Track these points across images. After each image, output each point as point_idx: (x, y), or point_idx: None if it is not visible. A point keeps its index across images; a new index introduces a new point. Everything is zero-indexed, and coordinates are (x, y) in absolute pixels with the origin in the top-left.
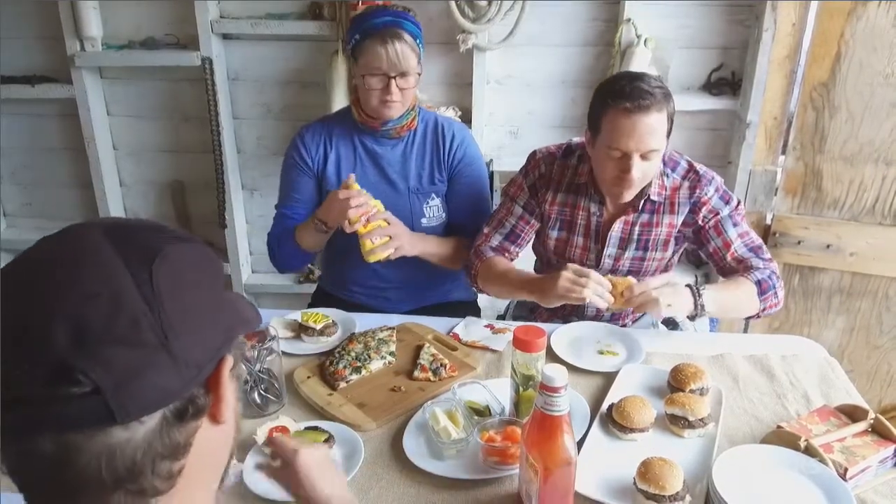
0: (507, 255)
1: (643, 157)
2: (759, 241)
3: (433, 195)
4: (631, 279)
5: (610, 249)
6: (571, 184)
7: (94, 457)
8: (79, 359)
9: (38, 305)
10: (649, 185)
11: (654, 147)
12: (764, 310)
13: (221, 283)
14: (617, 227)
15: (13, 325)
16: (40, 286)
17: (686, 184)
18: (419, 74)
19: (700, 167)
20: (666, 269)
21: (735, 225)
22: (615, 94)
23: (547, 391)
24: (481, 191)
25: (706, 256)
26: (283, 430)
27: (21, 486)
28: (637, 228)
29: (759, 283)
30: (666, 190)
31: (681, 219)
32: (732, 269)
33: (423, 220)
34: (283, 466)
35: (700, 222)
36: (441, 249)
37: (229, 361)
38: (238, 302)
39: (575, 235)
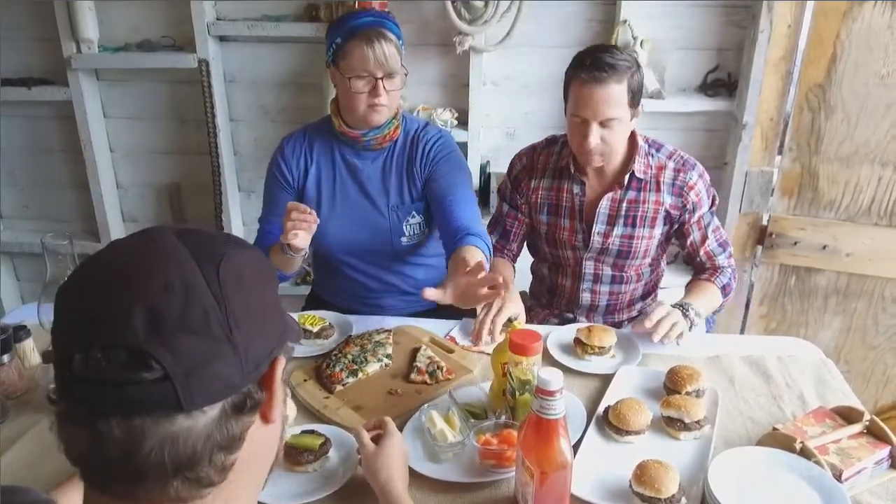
0: (505, 251)
1: (602, 124)
2: (726, 235)
3: (414, 213)
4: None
5: (598, 227)
6: (555, 168)
7: (158, 442)
8: (153, 345)
9: (119, 293)
10: (632, 161)
11: (610, 115)
12: (721, 306)
13: (276, 288)
14: (605, 205)
15: (95, 308)
16: (122, 276)
17: (671, 164)
18: (406, 74)
19: (683, 153)
20: (654, 272)
21: (711, 221)
22: (577, 65)
23: (543, 395)
24: (464, 180)
25: (681, 245)
26: None
27: (84, 471)
28: (624, 205)
29: (723, 287)
30: (651, 169)
31: (667, 198)
32: (701, 262)
33: (403, 239)
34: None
35: (688, 207)
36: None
37: (282, 362)
38: (286, 312)
39: (562, 218)
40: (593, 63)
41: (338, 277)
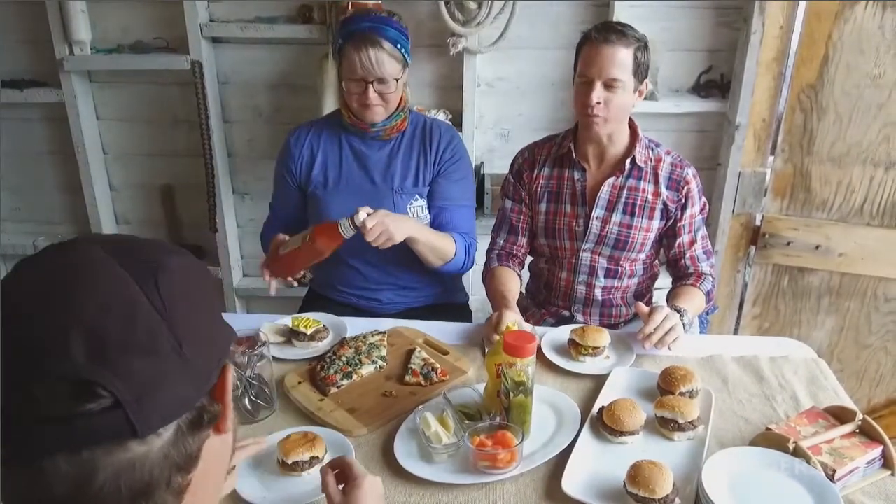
0: (515, 248)
1: (606, 85)
2: (710, 245)
3: (417, 196)
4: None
5: (598, 211)
6: (556, 157)
7: (112, 473)
8: (98, 373)
9: (52, 320)
10: (634, 146)
11: (615, 76)
12: (703, 313)
13: (215, 293)
14: (605, 190)
15: (26, 339)
16: (51, 300)
17: (668, 159)
18: (397, 80)
19: (677, 153)
20: (648, 272)
21: (701, 227)
22: (588, 31)
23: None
24: (466, 190)
25: (667, 247)
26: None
27: None
28: (625, 192)
29: (707, 293)
30: (651, 160)
31: (665, 191)
32: (685, 266)
33: None
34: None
35: (683, 202)
36: (431, 236)
37: (231, 370)
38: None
39: (562, 204)
40: (605, 27)
41: (338, 267)
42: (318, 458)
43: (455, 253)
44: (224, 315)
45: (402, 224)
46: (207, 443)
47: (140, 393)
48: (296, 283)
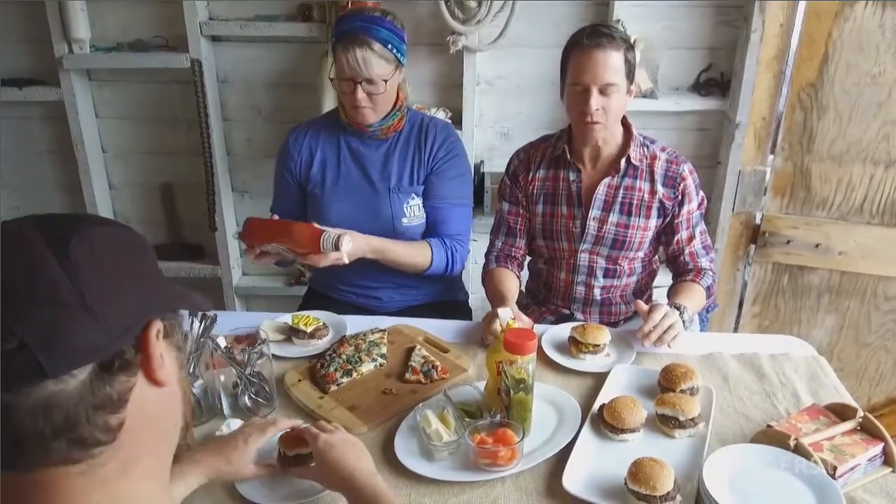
0: (514, 250)
1: (602, 91)
2: (709, 240)
3: (413, 195)
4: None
5: (594, 212)
6: (551, 158)
7: (30, 410)
8: (6, 318)
9: None
10: (628, 146)
11: (610, 80)
12: (704, 309)
13: (148, 264)
14: (601, 190)
15: None
16: None
17: (664, 156)
18: (386, 81)
19: (673, 149)
20: (646, 270)
21: (699, 222)
22: (576, 37)
23: None
24: (462, 188)
25: (666, 244)
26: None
27: None
28: (621, 192)
29: (707, 289)
30: (646, 158)
31: (661, 188)
32: (684, 262)
33: (404, 220)
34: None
35: (680, 198)
36: (395, 254)
37: (157, 325)
38: (178, 288)
39: (559, 206)
40: (593, 32)
41: (338, 268)
42: None
43: (431, 262)
44: (223, 313)
45: (358, 246)
46: (137, 390)
47: (43, 337)
48: (255, 255)
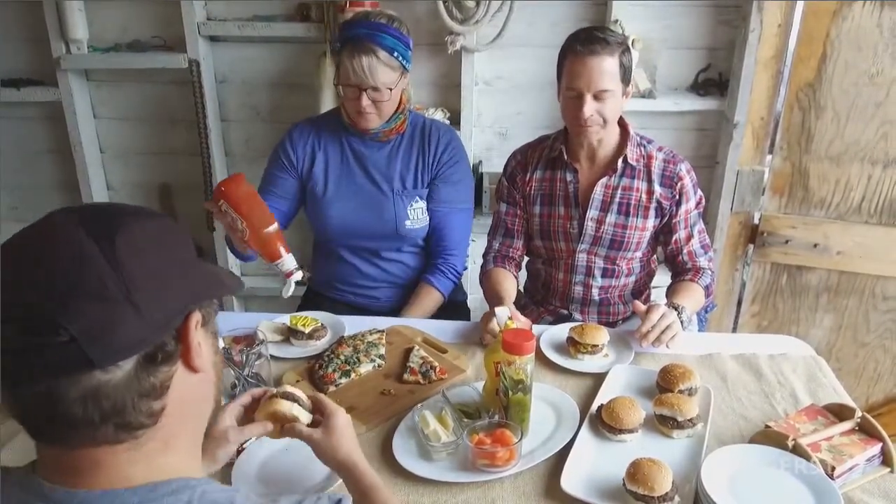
0: (511, 251)
1: (596, 97)
2: (708, 239)
3: (417, 198)
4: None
5: (592, 212)
6: (548, 160)
7: (80, 397)
8: (57, 313)
9: (17, 274)
10: (625, 146)
11: (604, 87)
12: (703, 308)
13: (187, 253)
14: (598, 191)
15: (3, 291)
16: (22, 259)
17: (660, 155)
18: (391, 89)
19: (671, 148)
20: (645, 270)
21: (697, 221)
22: (572, 41)
23: None
24: (464, 192)
25: (664, 243)
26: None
27: (28, 429)
28: (619, 192)
29: (706, 288)
30: (643, 158)
31: (658, 188)
32: (683, 262)
33: (407, 223)
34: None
35: (677, 198)
36: (418, 313)
37: (196, 316)
38: (214, 272)
39: (556, 206)
40: (587, 37)
41: (337, 264)
42: None
43: (444, 297)
44: (221, 314)
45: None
46: (178, 377)
47: (92, 332)
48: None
